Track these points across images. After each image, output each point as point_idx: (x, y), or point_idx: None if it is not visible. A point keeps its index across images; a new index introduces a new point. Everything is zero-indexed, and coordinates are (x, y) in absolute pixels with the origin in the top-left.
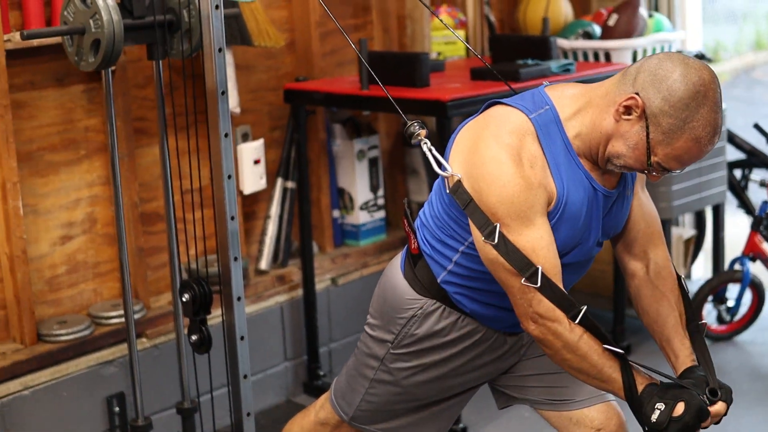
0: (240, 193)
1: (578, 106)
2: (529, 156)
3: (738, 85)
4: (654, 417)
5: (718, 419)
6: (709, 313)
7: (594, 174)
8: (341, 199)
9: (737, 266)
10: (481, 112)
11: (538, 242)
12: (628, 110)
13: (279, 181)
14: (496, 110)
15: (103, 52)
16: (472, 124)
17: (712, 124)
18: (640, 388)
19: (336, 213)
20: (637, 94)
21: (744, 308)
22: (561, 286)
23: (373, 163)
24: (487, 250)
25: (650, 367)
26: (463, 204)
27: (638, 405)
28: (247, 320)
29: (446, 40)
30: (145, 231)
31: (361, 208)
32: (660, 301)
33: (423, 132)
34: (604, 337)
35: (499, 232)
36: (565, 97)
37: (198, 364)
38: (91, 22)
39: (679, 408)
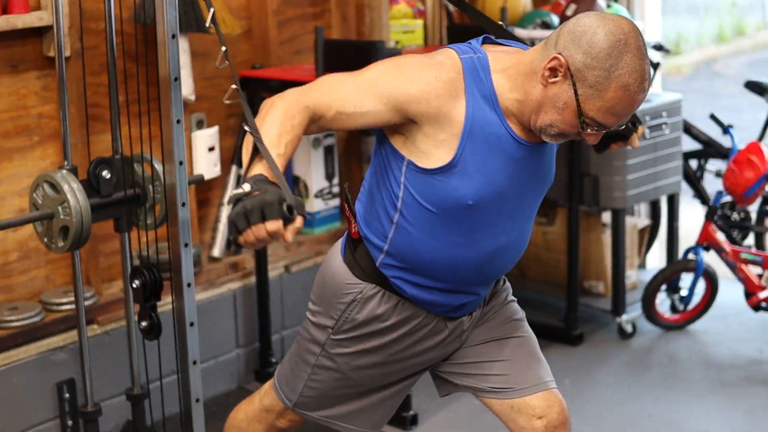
0: None
1: (508, 64)
2: (446, 77)
3: (699, 77)
4: (233, 192)
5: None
6: (662, 302)
7: (517, 128)
8: (296, 186)
9: (691, 256)
10: None
11: (350, 90)
12: (553, 72)
13: (234, 169)
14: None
15: (72, 237)
16: None
17: (638, 70)
18: (253, 173)
19: None
20: (559, 54)
21: (697, 298)
22: (316, 97)
23: (328, 151)
24: None
25: (283, 181)
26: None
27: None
28: (200, 307)
29: (405, 29)
30: None
31: (316, 196)
32: None
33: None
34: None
35: None
36: (497, 56)
37: (149, 351)
38: (59, 208)
39: (254, 194)
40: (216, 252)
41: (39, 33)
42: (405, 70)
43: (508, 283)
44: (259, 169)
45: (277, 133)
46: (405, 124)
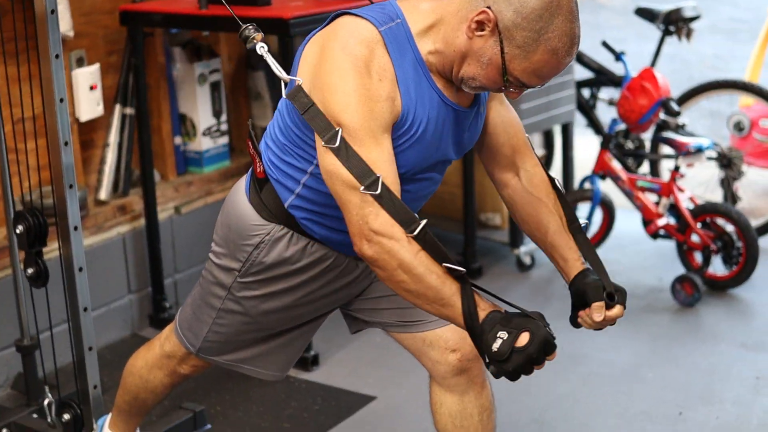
0: (76, 120)
1: (431, 21)
2: (378, 68)
3: (583, 9)
4: (495, 346)
5: (613, 322)
6: None
7: (448, 91)
8: (183, 125)
9: (587, 185)
10: (328, 23)
11: (380, 155)
12: (480, 26)
13: (117, 108)
14: (345, 21)
15: None
16: (320, 35)
17: (568, 34)
18: (481, 314)
19: (178, 140)
20: (488, 8)
21: (595, 227)
22: (383, 215)
23: (215, 87)
24: (327, 158)
25: (495, 294)
26: (302, 108)
27: (479, 333)
28: (88, 252)
29: None
30: None
31: (204, 134)
32: (537, 208)
33: (259, 36)
34: (444, 256)
35: (342, 136)
36: (417, 12)
37: (38, 300)
38: None
39: (523, 338)
40: (102, 195)
41: None
42: (355, 90)
43: None
44: (483, 307)
45: (433, 270)
46: None
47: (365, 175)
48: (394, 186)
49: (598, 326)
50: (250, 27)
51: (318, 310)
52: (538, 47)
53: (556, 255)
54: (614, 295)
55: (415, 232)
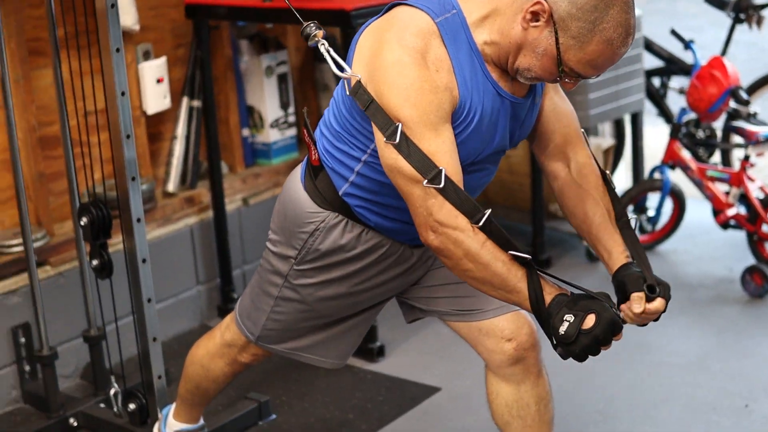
0: (144, 113)
1: (486, 11)
2: (434, 59)
3: None
4: (562, 329)
5: (657, 316)
6: None
7: (503, 82)
8: (251, 117)
9: (657, 175)
10: (384, 13)
11: (441, 146)
12: (535, 16)
13: (185, 100)
14: (401, 11)
15: None
16: (375, 25)
17: (623, 24)
18: (548, 298)
19: (246, 132)
20: None
21: (665, 217)
22: (445, 203)
23: (282, 79)
24: (388, 153)
25: (559, 277)
26: (363, 105)
27: (545, 317)
28: (156, 244)
29: None
30: (46, 156)
31: (272, 126)
32: (585, 200)
33: (320, 33)
34: (509, 243)
35: (402, 131)
36: (472, 1)
37: (105, 291)
38: None
39: (590, 320)
40: (170, 187)
41: None
42: (413, 83)
43: None
44: (549, 291)
45: (499, 257)
46: None
47: (428, 169)
48: (457, 176)
49: (639, 320)
50: (312, 25)
51: (374, 298)
52: (593, 38)
53: (601, 248)
54: (655, 288)
55: (481, 223)
